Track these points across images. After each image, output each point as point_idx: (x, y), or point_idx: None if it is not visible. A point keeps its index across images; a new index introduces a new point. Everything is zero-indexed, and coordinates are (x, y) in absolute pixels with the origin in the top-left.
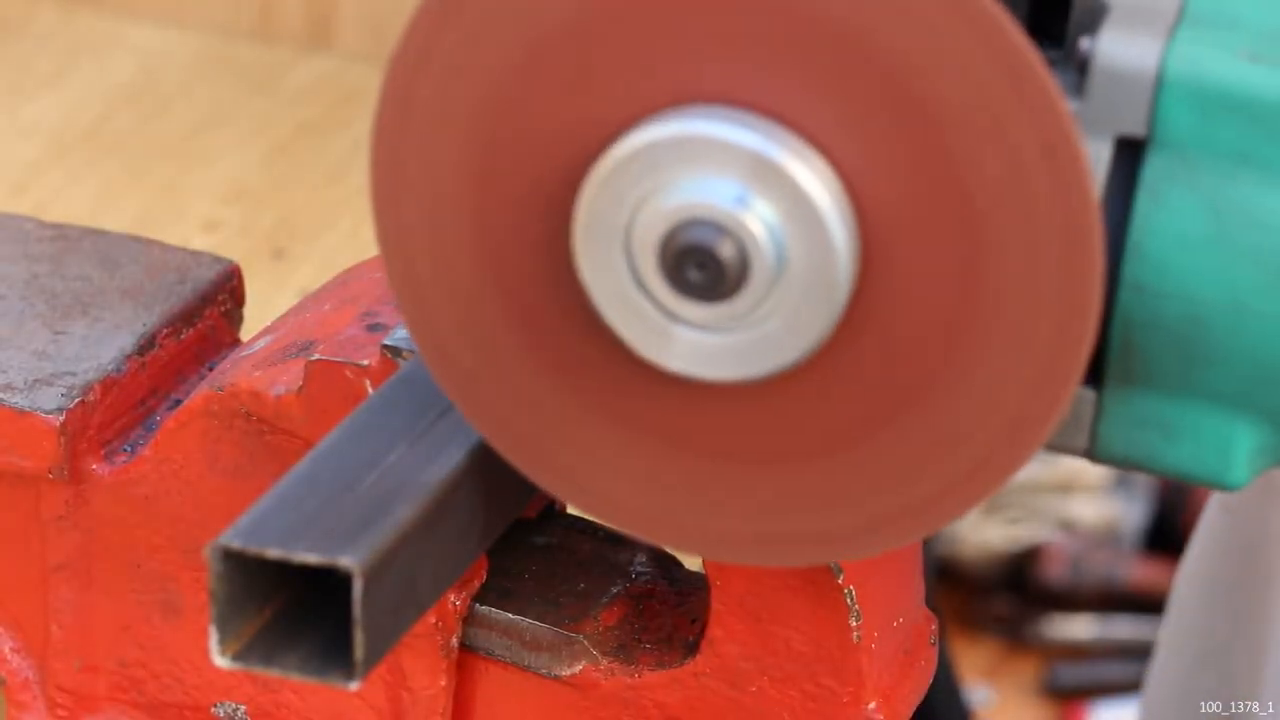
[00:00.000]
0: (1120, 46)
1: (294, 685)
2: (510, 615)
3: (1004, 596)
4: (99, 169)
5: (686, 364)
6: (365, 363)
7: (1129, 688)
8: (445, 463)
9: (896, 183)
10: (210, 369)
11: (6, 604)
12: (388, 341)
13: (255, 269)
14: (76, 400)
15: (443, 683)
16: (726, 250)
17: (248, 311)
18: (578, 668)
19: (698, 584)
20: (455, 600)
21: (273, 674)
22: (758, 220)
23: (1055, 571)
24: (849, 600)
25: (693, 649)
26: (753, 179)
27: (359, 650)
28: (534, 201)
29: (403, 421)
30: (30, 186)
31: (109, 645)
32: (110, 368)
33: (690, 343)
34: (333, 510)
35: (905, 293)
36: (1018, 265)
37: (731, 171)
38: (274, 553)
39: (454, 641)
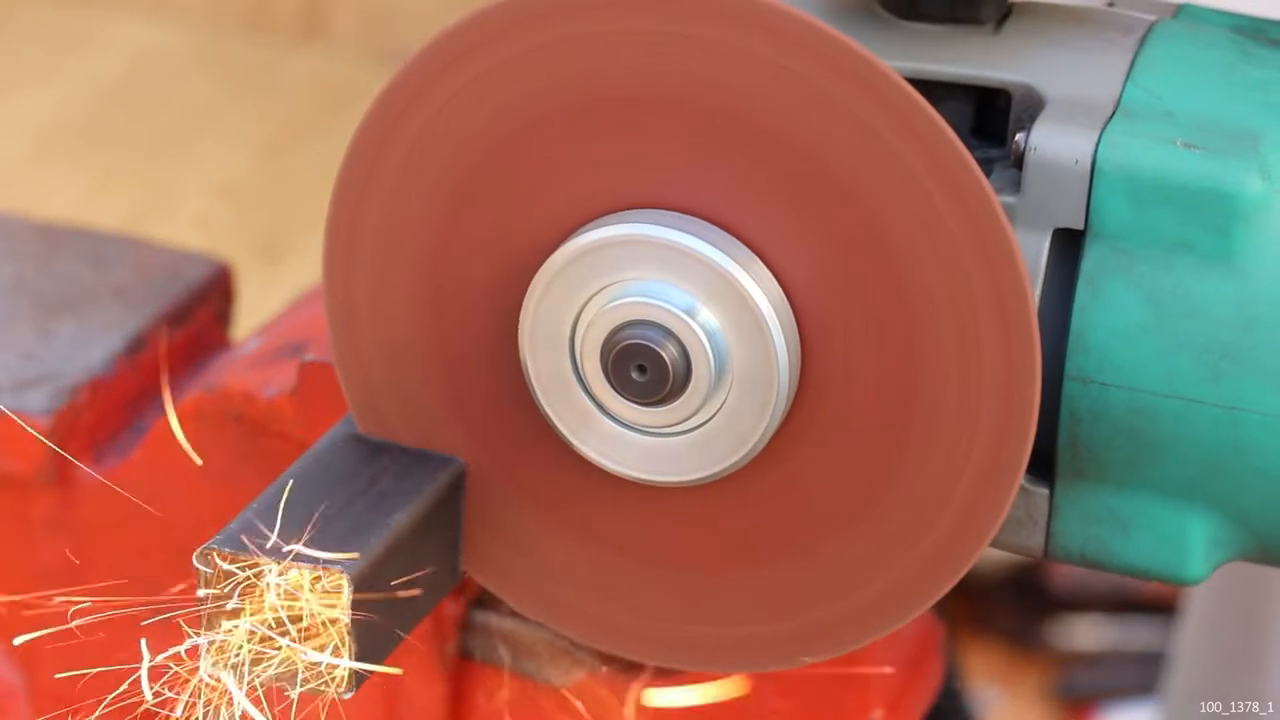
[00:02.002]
0: (1054, 139)
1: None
2: (507, 623)
3: (1012, 602)
4: (88, 165)
5: (624, 466)
6: None
7: (1138, 693)
8: (437, 471)
9: (836, 292)
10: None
11: None
12: None
13: (246, 268)
14: (65, 402)
15: (440, 689)
16: (670, 353)
17: (240, 308)
18: (575, 675)
19: None
20: (452, 608)
21: (262, 682)
22: (702, 326)
23: (1064, 576)
24: None
25: None
26: (701, 285)
27: (350, 660)
28: (484, 294)
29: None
30: (18, 183)
31: (98, 651)
32: (99, 369)
33: (626, 441)
34: (326, 516)
35: (844, 399)
36: (956, 369)
37: (681, 277)
38: (263, 559)
39: (451, 649)
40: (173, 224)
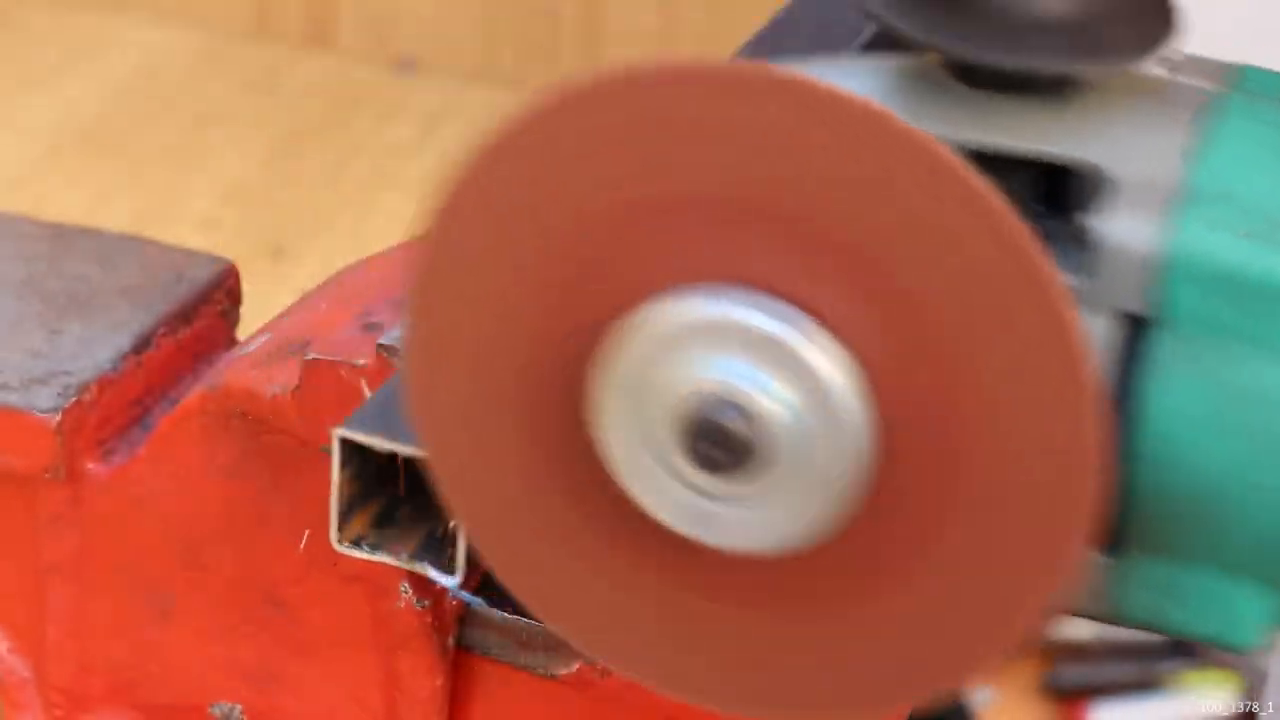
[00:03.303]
0: (1125, 226)
1: (290, 686)
2: (507, 614)
3: None
4: (97, 168)
5: (711, 536)
6: (361, 362)
7: (1130, 687)
8: None
9: (909, 367)
10: (208, 367)
11: (3, 604)
12: (384, 341)
13: (253, 268)
14: (73, 400)
15: (439, 682)
16: (742, 428)
17: (245, 311)
18: (574, 667)
19: None
20: (452, 600)
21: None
22: (774, 400)
23: None
24: None
25: None
26: (776, 363)
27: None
28: (554, 370)
29: None
30: (28, 185)
31: (105, 645)
32: (107, 367)
33: (706, 513)
34: None
35: (916, 470)
36: (1023, 450)
37: (756, 353)
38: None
39: (450, 641)
40: (180, 225)
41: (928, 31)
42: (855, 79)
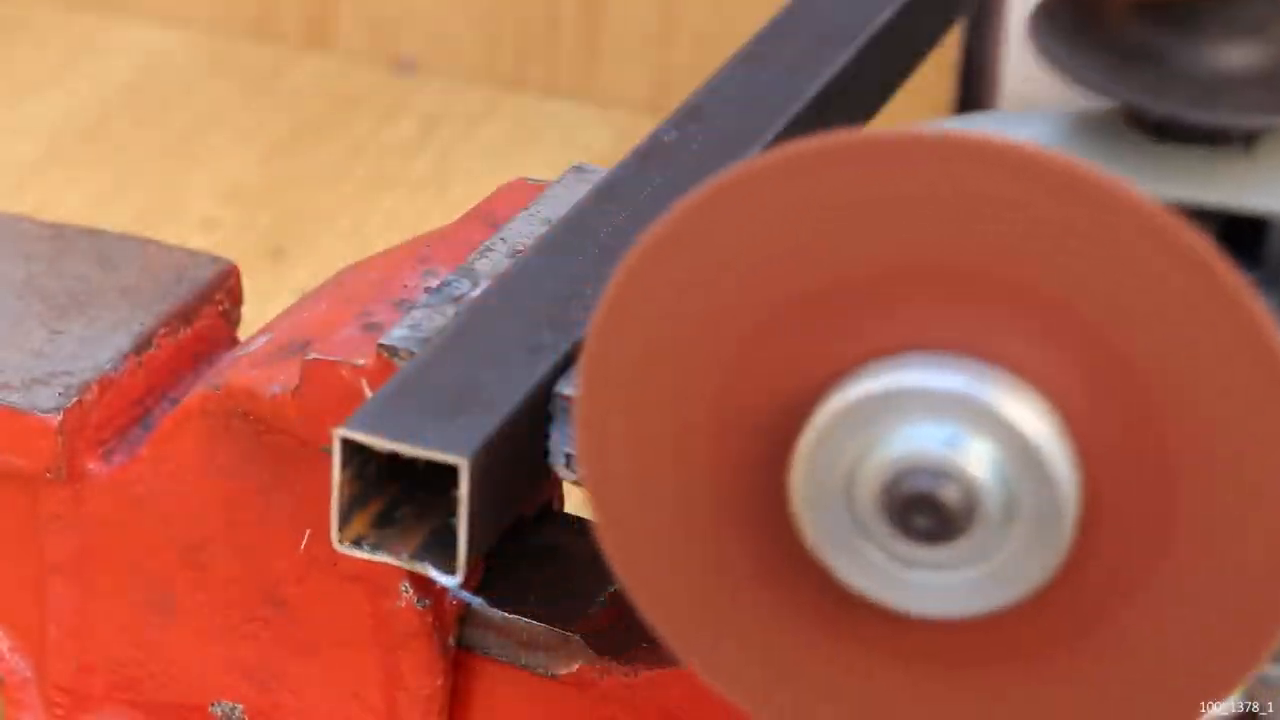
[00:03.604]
0: None
1: (290, 685)
2: (507, 614)
3: None
4: (97, 168)
5: (919, 605)
6: (361, 362)
7: None
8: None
9: (1116, 423)
10: (208, 367)
11: (4, 604)
12: (384, 341)
13: (253, 269)
14: (74, 400)
15: (439, 682)
16: (954, 495)
17: (246, 311)
18: (574, 667)
19: None
20: (452, 600)
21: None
22: (979, 462)
23: None
24: None
25: None
26: (974, 422)
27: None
28: (742, 451)
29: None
30: (29, 186)
31: (106, 645)
32: (107, 367)
33: (920, 584)
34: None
35: (1126, 521)
36: (1231, 494)
37: (952, 416)
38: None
39: (451, 641)
40: (181, 226)
41: (1112, 83)
42: (1032, 129)
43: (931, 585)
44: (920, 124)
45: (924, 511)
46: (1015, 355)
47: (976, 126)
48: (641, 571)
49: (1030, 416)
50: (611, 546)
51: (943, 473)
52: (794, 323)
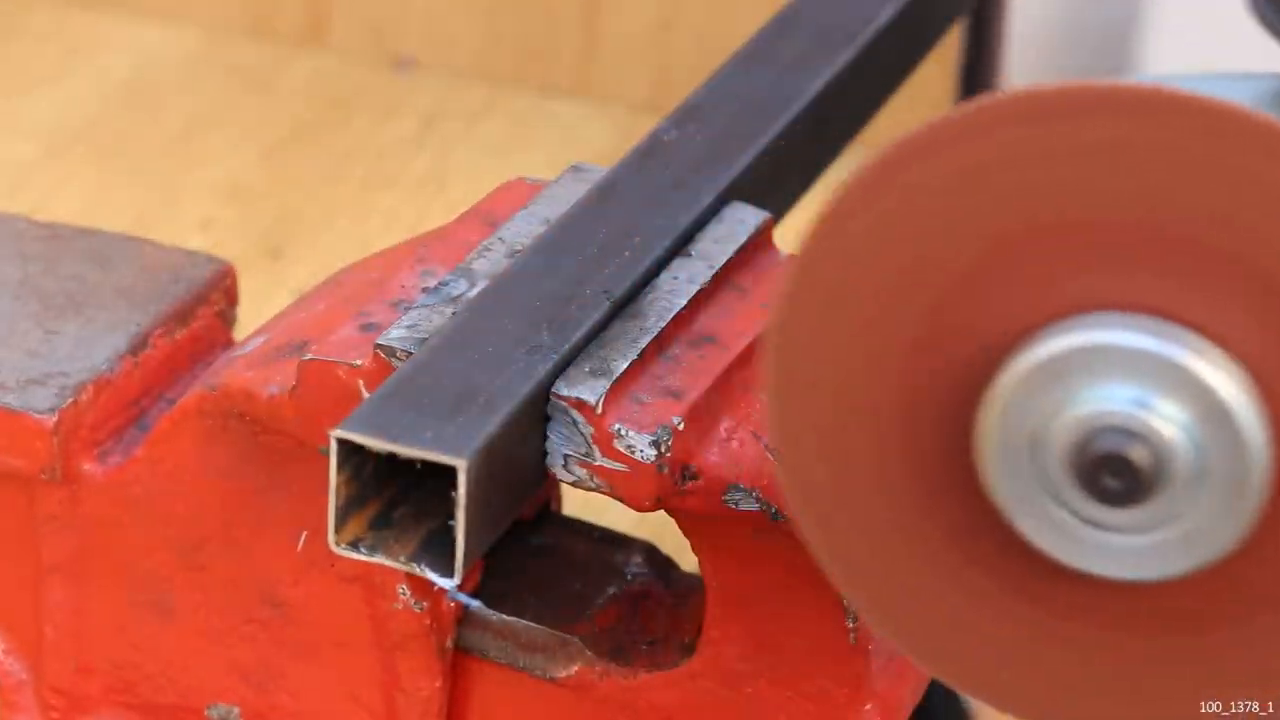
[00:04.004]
0: None
1: (288, 687)
2: (506, 617)
3: None
4: (94, 168)
5: (1105, 567)
6: (358, 362)
7: None
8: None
9: None
10: (205, 368)
11: (0, 605)
12: (382, 341)
13: (251, 268)
14: (70, 400)
15: (437, 684)
16: (1145, 457)
17: (243, 311)
18: (573, 669)
19: (694, 585)
20: (450, 602)
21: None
22: (1174, 425)
23: None
24: (846, 602)
25: (689, 650)
26: (1167, 385)
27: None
28: (930, 409)
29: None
30: (25, 186)
31: (103, 646)
32: (103, 368)
33: (1108, 546)
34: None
35: None
36: None
37: (1145, 378)
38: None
39: (449, 643)
40: (179, 225)
41: None
42: (1234, 92)
43: (1117, 547)
44: (1136, 78)
45: (1113, 472)
46: (1206, 317)
47: (1190, 87)
48: (835, 539)
49: (1223, 378)
50: (801, 509)
51: (1133, 432)
52: (990, 275)
